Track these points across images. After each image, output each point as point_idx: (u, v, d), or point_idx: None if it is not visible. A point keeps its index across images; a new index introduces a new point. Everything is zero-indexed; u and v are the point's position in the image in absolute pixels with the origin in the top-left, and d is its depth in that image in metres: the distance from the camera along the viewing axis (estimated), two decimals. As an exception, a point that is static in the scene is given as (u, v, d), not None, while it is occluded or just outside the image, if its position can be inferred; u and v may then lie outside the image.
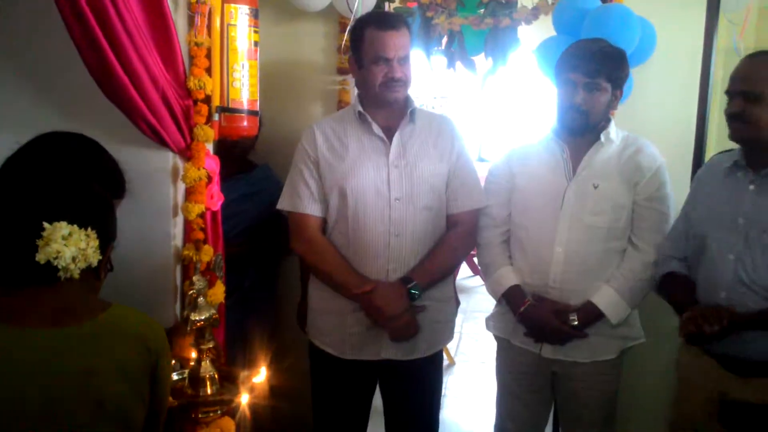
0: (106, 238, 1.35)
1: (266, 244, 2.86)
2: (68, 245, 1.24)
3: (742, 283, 1.83)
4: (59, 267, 1.24)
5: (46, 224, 1.25)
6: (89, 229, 1.29)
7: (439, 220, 2.22)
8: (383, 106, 2.16)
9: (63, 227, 1.25)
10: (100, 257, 1.31)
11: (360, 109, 2.16)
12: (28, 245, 1.24)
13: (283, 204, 2.21)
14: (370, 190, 2.11)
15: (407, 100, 2.22)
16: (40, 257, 1.23)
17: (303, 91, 3.02)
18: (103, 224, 1.35)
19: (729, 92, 1.89)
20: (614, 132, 2.19)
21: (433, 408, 2.41)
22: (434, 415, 2.42)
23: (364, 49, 2.11)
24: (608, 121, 2.19)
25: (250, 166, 2.87)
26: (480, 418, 3.89)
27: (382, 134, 2.15)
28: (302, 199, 2.16)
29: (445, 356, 3.79)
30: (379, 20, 2.11)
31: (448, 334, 2.36)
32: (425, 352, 2.25)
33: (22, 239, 1.25)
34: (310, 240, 2.17)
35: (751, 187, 1.87)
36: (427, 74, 3.35)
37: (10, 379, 1.19)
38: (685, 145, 2.73)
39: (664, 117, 2.75)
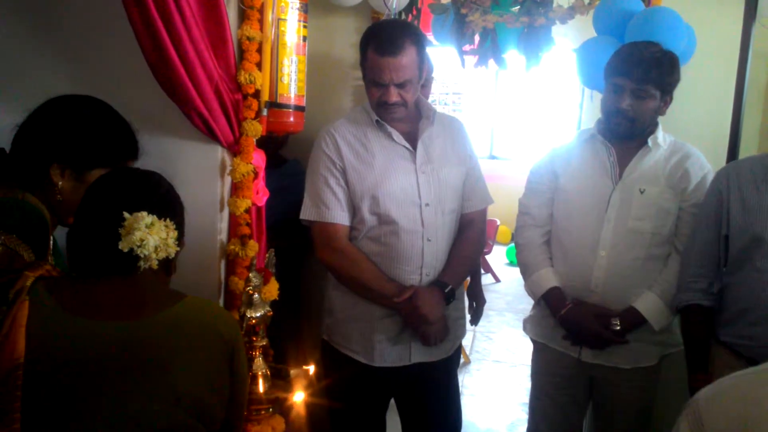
0: (180, 233, 1.34)
1: (295, 240, 2.84)
2: (151, 234, 1.24)
3: None
4: (142, 256, 1.23)
5: (126, 214, 1.24)
6: (167, 220, 1.29)
7: (457, 222, 2.23)
8: None
9: (145, 216, 1.25)
10: (178, 249, 1.30)
11: (376, 117, 2.11)
12: (108, 235, 1.24)
13: (307, 214, 2.12)
14: (402, 196, 2.09)
15: (420, 104, 2.19)
16: (124, 245, 1.22)
17: (333, 86, 3.00)
18: (178, 218, 1.35)
19: None
20: (662, 137, 2.17)
21: (458, 405, 2.42)
22: (460, 412, 2.42)
23: (365, 66, 2.07)
24: (656, 125, 2.18)
25: (281, 160, 2.85)
26: (496, 417, 3.89)
27: (405, 143, 2.12)
28: (330, 208, 2.09)
29: (461, 355, 3.78)
30: (379, 43, 1.99)
31: (463, 329, 2.38)
32: (450, 351, 2.27)
33: (103, 229, 1.25)
34: (343, 250, 2.10)
35: None
36: (453, 71, 3.33)
37: (87, 373, 1.18)
38: (720, 148, 2.73)
39: (698, 120, 2.74)
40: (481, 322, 3.20)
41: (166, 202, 1.34)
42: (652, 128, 2.16)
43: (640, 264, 2.14)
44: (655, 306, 2.12)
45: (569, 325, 2.19)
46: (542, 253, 2.29)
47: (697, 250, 2.04)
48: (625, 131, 2.13)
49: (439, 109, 2.30)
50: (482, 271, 6.73)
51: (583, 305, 2.17)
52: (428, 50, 2.82)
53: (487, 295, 3.22)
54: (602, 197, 2.15)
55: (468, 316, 3.03)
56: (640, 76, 2.05)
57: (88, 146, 1.52)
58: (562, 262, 2.25)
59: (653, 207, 2.12)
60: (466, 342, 4.65)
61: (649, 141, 2.14)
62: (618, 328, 2.12)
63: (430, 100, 3.40)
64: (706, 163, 2.18)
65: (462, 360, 4.55)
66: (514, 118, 8.02)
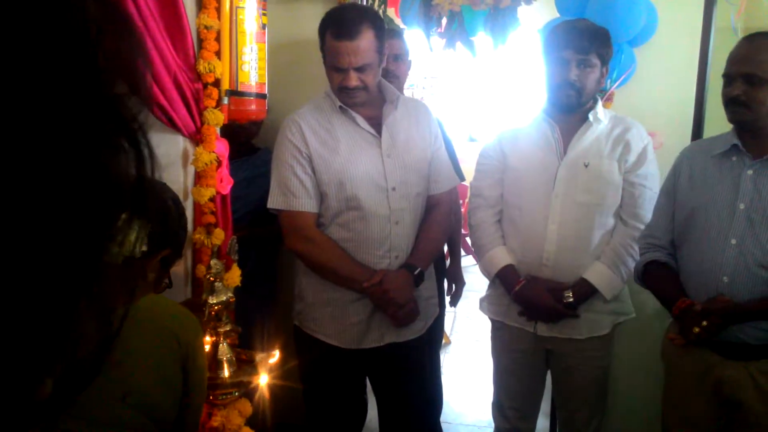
0: (162, 239, 1.35)
1: (268, 228, 2.86)
2: None
3: (747, 268, 1.84)
4: None
5: None
6: (142, 219, 1.29)
7: (424, 203, 2.25)
8: None
9: None
10: (144, 249, 1.31)
11: (340, 104, 2.11)
12: None
13: (274, 203, 2.13)
14: (368, 181, 2.10)
15: (383, 88, 2.19)
16: None
17: (303, 74, 3.00)
18: (161, 224, 1.35)
19: (728, 75, 1.87)
20: (601, 112, 2.23)
21: (437, 383, 2.45)
22: (439, 390, 2.46)
23: (325, 51, 2.07)
24: (595, 101, 2.24)
25: (253, 149, 2.86)
26: (476, 395, 3.94)
27: (369, 128, 2.13)
28: (298, 196, 2.09)
29: (441, 334, 3.81)
30: (336, 27, 1.99)
31: (435, 309, 2.41)
32: (422, 330, 2.30)
33: None
34: (312, 238, 2.12)
35: (749, 172, 1.88)
36: (424, 54, 3.34)
37: None
38: (684, 125, 2.76)
39: (663, 97, 2.77)
40: (462, 303, 3.23)
41: (150, 204, 1.34)
42: (591, 104, 2.22)
43: (589, 236, 2.19)
44: (605, 275, 2.18)
45: (523, 301, 2.24)
46: (495, 233, 2.33)
47: (653, 222, 2.10)
48: (574, 103, 2.18)
49: (415, 93, 2.32)
50: (463, 253, 6.82)
51: (536, 280, 2.23)
52: (405, 34, 2.83)
53: (467, 276, 3.25)
54: (549, 173, 2.21)
55: (447, 298, 3.07)
56: (584, 47, 2.11)
57: None
58: (515, 239, 2.30)
59: (598, 180, 2.17)
60: (446, 322, 4.70)
61: (590, 116, 2.20)
62: (571, 299, 2.18)
63: (407, 84, 3.39)
64: (646, 135, 2.23)
65: (443, 341, 4.60)
66: (492, 101, 8.03)
